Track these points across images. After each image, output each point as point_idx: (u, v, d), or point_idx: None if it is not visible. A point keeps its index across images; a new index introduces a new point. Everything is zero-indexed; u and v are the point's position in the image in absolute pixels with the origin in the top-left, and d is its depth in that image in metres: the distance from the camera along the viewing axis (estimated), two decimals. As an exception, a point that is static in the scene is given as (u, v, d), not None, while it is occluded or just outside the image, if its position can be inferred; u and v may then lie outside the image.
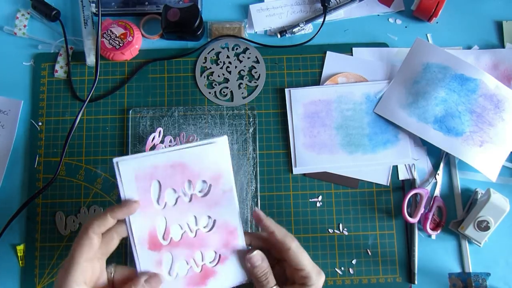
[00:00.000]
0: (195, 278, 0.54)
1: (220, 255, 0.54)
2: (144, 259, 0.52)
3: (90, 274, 0.49)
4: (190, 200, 0.53)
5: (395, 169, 0.73)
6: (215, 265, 0.54)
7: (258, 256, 0.53)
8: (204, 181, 0.53)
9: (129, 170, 0.51)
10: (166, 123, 0.73)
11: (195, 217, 0.53)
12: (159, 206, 0.53)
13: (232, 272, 0.54)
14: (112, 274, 0.52)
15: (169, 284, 0.53)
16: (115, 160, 0.51)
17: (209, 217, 0.54)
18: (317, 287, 0.52)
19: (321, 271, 0.53)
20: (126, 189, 0.51)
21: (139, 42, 0.76)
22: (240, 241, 0.55)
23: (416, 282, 0.69)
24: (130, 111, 0.74)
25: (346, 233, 0.71)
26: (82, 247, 0.48)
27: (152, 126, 0.73)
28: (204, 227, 0.54)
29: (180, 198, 0.53)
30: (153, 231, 0.53)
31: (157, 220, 0.53)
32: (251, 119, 0.74)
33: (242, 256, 0.54)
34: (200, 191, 0.54)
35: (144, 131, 0.73)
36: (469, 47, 0.77)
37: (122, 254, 0.69)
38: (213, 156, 0.53)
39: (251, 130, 0.73)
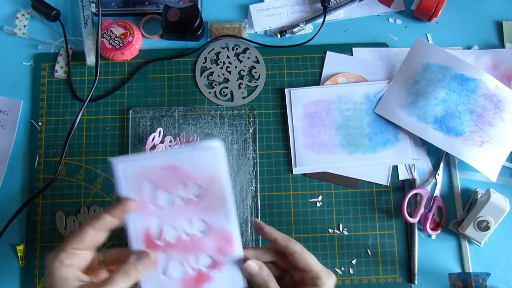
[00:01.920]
0: (190, 281, 0.54)
1: (216, 261, 0.54)
2: None
3: (76, 260, 0.50)
4: (186, 204, 0.53)
5: (395, 169, 0.73)
6: (211, 270, 0.54)
7: (254, 265, 0.53)
8: (198, 185, 0.53)
9: (126, 171, 0.52)
10: (166, 123, 0.73)
11: (190, 220, 0.54)
12: (154, 207, 0.53)
13: (228, 279, 0.54)
14: (103, 258, 0.53)
15: (164, 285, 0.53)
16: (112, 159, 0.52)
17: (204, 221, 0.54)
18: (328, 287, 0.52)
19: (330, 272, 0.53)
20: (122, 189, 0.52)
21: (139, 42, 0.76)
22: (237, 248, 0.54)
23: (416, 282, 0.69)
24: (130, 111, 0.74)
25: (346, 233, 0.71)
26: (73, 239, 0.49)
27: (152, 126, 0.73)
28: (200, 232, 0.54)
29: (175, 201, 0.53)
30: (148, 231, 0.53)
31: (152, 221, 0.53)
32: (251, 119, 0.74)
33: (239, 263, 0.54)
34: (196, 196, 0.54)
35: (144, 131, 0.73)
36: (469, 47, 0.77)
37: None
38: (207, 161, 0.53)
39: (251, 130, 0.73)
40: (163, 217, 0.53)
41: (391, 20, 0.79)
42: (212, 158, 0.53)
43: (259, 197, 0.71)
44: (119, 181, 0.52)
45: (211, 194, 0.53)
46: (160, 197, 0.53)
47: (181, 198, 0.53)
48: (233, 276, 0.54)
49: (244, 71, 0.76)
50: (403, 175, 0.73)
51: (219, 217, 0.54)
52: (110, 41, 0.74)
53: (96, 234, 0.50)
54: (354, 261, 0.70)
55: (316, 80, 0.76)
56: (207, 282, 0.54)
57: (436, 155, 0.73)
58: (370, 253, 0.70)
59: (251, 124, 0.74)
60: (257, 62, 0.76)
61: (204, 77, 0.76)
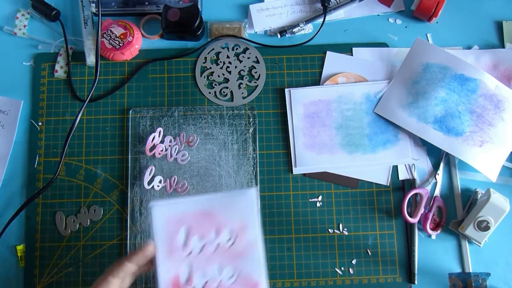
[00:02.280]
0: None
1: None
2: None
3: None
4: (216, 250, 0.54)
5: (395, 169, 0.73)
6: None
7: None
8: (230, 231, 0.55)
9: (162, 214, 0.54)
10: (166, 123, 0.73)
11: (220, 267, 0.54)
12: (185, 252, 0.54)
13: None
14: None
15: None
16: (150, 204, 0.55)
17: (233, 268, 0.54)
18: None
19: None
20: (157, 232, 0.54)
21: (139, 42, 0.76)
22: None
23: (416, 282, 0.69)
24: (130, 111, 0.74)
25: (346, 233, 0.71)
26: None
27: (152, 126, 0.73)
28: (228, 279, 0.54)
29: (206, 247, 0.55)
30: (177, 278, 0.54)
31: (182, 266, 0.54)
32: (251, 119, 0.74)
33: None
34: (226, 241, 0.55)
35: (144, 131, 0.73)
36: (469, 47, 0.77)
37: (122, 254, 0.70)
38: (241, 207, 0.55)
39: (251, 130, 0.73)
40: (193, 262, 0.54)
41: (391, 20, 0.79)
42: (246, 204, 0.55)
43: (259, 197, 0.71)
44: (154, 223, 0.54)
45: (241, 240, 0.54)
46: (193, 242, 0.54)
47: (212, 244, 0.54)
48: None
49: (244, 71, 0.76)
50: (403, 175, 0.73)
51: (248, 265, 0.54)
52: (110, 41, 0.74)
53: (119, 281, 0.52)
54: (354, 261, 0.70)
55: (316, 80, 0.76)
56: None
57: (436, 155, 0.73)
58: (370, 253, 0.70)
59: (251, 124, 0.74)
60: (257, 62, 0.76)
61: (204, 77, 0.76)
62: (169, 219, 0.55)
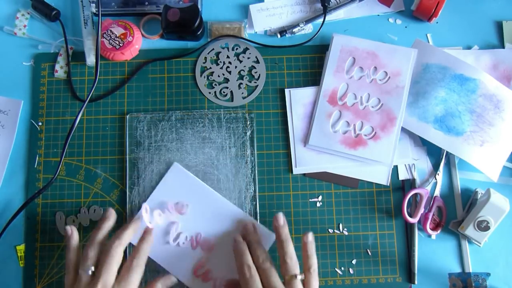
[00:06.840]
0: (350, 140, 0.70)
1: (375, 133, 0.69)
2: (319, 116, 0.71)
3: None
4: (370, 82, 0.70)
5: (395, 169, 0.73)
6: (369, 139, 0.69)
7: (282, 218, 0.64)
8: (385, 72, 0.71)
9: (338, 43, 0.72)
10: (163, 127, 0.73)
11: (368, 94, 0.70)
12: (347, 75, 0.71)
13: (378, 150, 0.69)
14: None
15: (330, 135, 0.70)
16: (333, 34, 0.73)
17: (379, 100, 0.70)
18: None
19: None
20: (332, 55, 0.72)
21: (139, 42, 0.76)
22: (396, 130, 0.69)
23: (416, 282, 0.69)
24: (127, 116, 0.73)
25: (346, 233, 0.71)
26: None
27: (149, 130, 0.73)
28: (372, 107, 0.70)
29: (364, 77, 0.71)
30: (336, 90, 0.71)
31: (342, 83, 0.71)
32: (248, 122, 0.74)
33: (393, 141, 0.69)
34: (380, 79, 0.70)
35: (142, 135, 0.73)
36: (469, 47, 0.77)
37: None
38: (400, 57, 0.71)
39: (248, 133, 0.73)
40: (350, 85, 0.71)
41: (391, 20, 0.79)
42: (406, 57, 0.71)
43: (257, 200, 0.71)
44: (332, 48, 0.72)
45: (392, 82, 0.70)
46: (355, 70, 0.71)
47: (369, 77, 0.71)
48: (384, 150, 0.69)
49: (244, 71, 0.76)
50: (403, 175, 0.73)
51: (392, 102, 0.70)
52: (110, 41, 0.74)
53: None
54: (354, 261, 0.70)
55: (316, 80, 0.76)
56: (362, 146, 0.69)
57: (436, 155, 0.73)
58: (370, 253, 0.70)
59: (249, 127, 0.73)
60: (257, 62, 0.76)
61: (204, 77, 0.76)
62: (343, 48, 0.72)
